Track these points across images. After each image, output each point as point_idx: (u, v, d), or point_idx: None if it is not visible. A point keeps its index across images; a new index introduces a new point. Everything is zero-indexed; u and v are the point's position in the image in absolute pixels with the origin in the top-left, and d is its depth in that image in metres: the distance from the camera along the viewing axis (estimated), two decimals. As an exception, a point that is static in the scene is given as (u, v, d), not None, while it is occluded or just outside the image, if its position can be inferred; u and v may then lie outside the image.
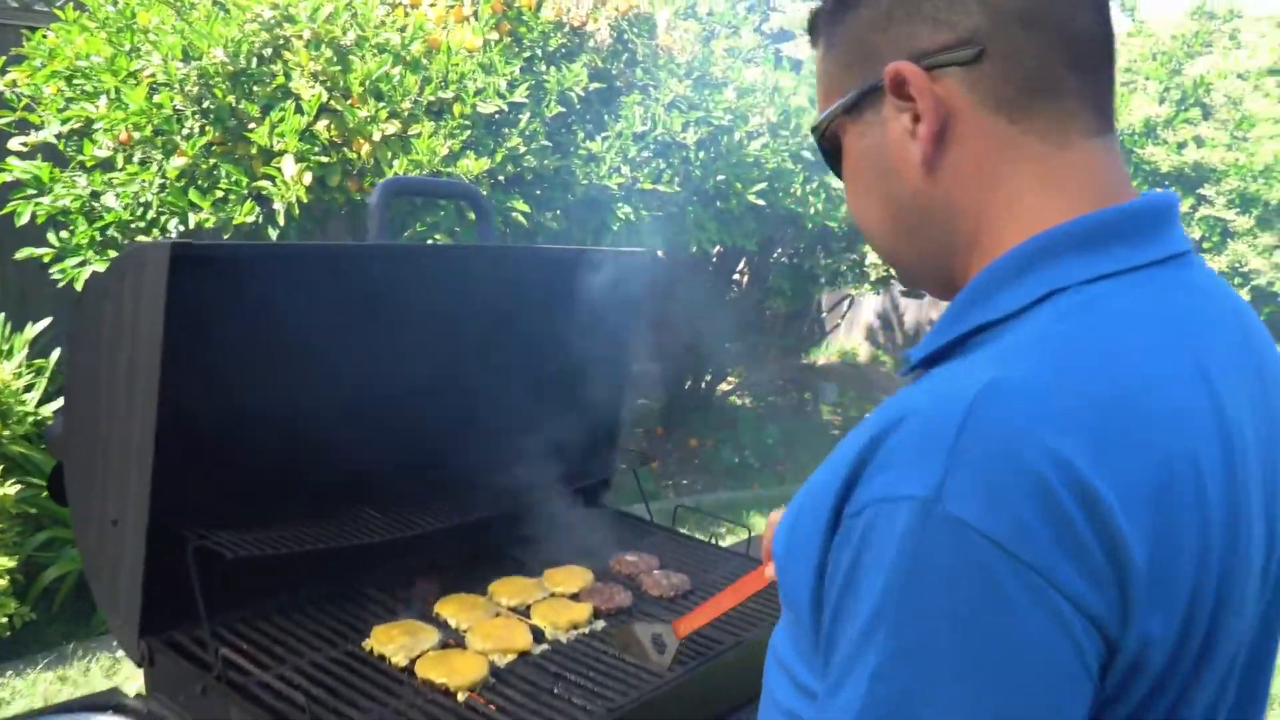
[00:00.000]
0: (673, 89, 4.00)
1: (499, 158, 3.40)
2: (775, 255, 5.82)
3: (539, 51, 3.73)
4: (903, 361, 0.85)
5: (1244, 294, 5.13)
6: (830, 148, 0.85)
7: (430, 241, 3.27)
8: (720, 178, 4.26)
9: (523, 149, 3.52)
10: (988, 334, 0.71)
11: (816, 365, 8.68)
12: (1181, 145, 5.24)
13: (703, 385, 6.38)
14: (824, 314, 7.02)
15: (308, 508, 1.57)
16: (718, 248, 5.09)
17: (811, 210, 4.90)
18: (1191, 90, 5.33)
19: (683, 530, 2.14)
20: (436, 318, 1.64)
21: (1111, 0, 0.79)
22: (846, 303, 6.79)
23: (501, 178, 3.51)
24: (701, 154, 4.11)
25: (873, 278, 5.16)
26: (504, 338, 1.80)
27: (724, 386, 6.73)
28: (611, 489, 2.25)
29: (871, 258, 5.07)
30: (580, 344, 1.90)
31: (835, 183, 4.97)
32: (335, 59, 2.94)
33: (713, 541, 2.11)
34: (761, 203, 4.49)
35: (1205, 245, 5.23)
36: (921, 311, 9.24)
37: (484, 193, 1.90)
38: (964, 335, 0.73)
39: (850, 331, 9.40)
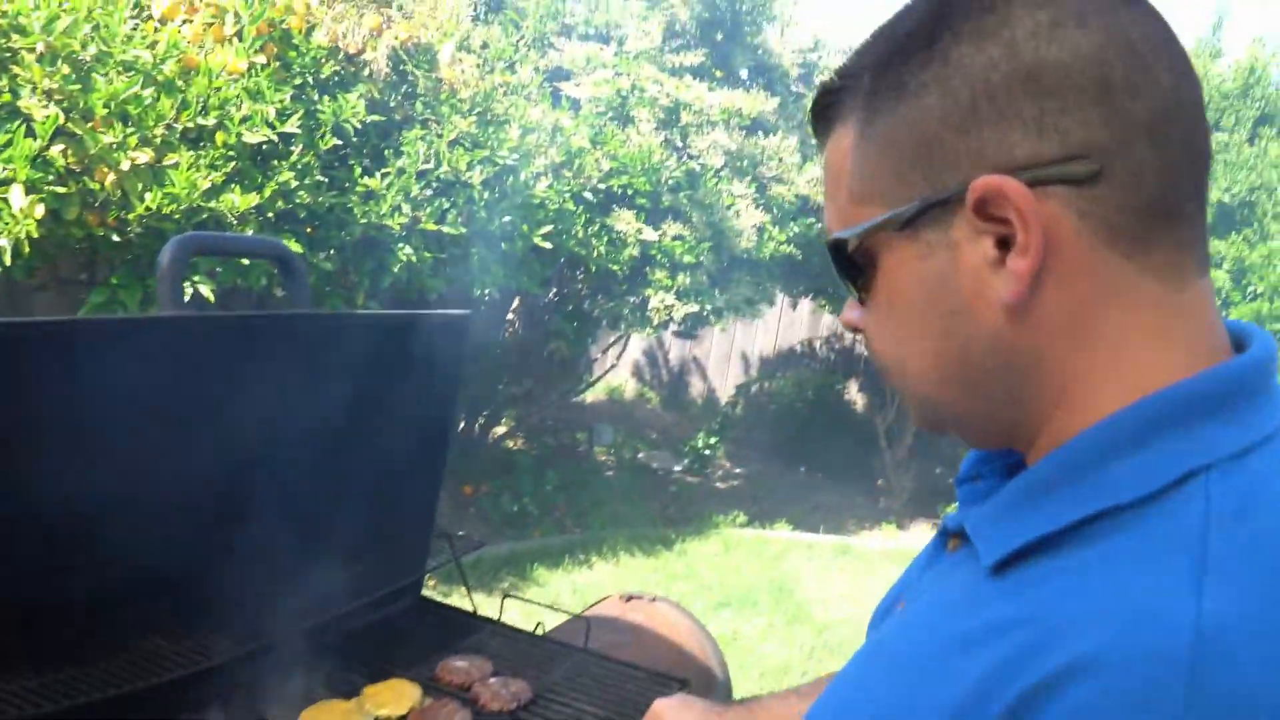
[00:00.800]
0: (456, 125, 3.79)
1: (268, 193, 3.05)
2: (551, 296, 5.70)
3: (310, 79, 3.41)
4: (952, 532, 0.72)
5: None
6: (861, 264, 0.66)
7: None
8: (506, 219, 4.07)
9: (294, 183, 3.19)
10: (1108, 521, 0.56)
11: (586, 404, 8.62)
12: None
13: (475, 429, 6.13)
14: (600, 355, 6.96)
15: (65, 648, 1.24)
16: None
17: (594, 253, 4.81)
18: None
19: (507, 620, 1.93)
20: (233, 400, 1.36)
21: None
22: (622, 342, 6.76)
23: (271, 215, 3.16)
24: (487, 194, 3.92)
25: (655, 322, 5.14)
26: (305, 419, 1.53)
27: (498, 430, 6.50)
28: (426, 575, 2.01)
29: (655, 302, 5.05)
30: (391, 422, 1.67)
31: (620, 225, 4.91)
32: (74, 76, 2.52)
33: (539, 628, 1.91)
34: (548, 245, 4.35)
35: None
36: (685, 348, 9.43)
37: (291, 250, 1.63)
38: (1077, 523, 0.57)
39: (617, 369, 9.44)
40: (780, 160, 5.30)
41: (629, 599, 2.28)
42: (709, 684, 2.09)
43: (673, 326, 5.47)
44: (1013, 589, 0.57)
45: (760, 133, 5.42)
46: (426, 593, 1.98)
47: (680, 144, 5.26)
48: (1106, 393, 0.59)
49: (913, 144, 0.61)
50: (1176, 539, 0.53)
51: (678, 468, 7.38)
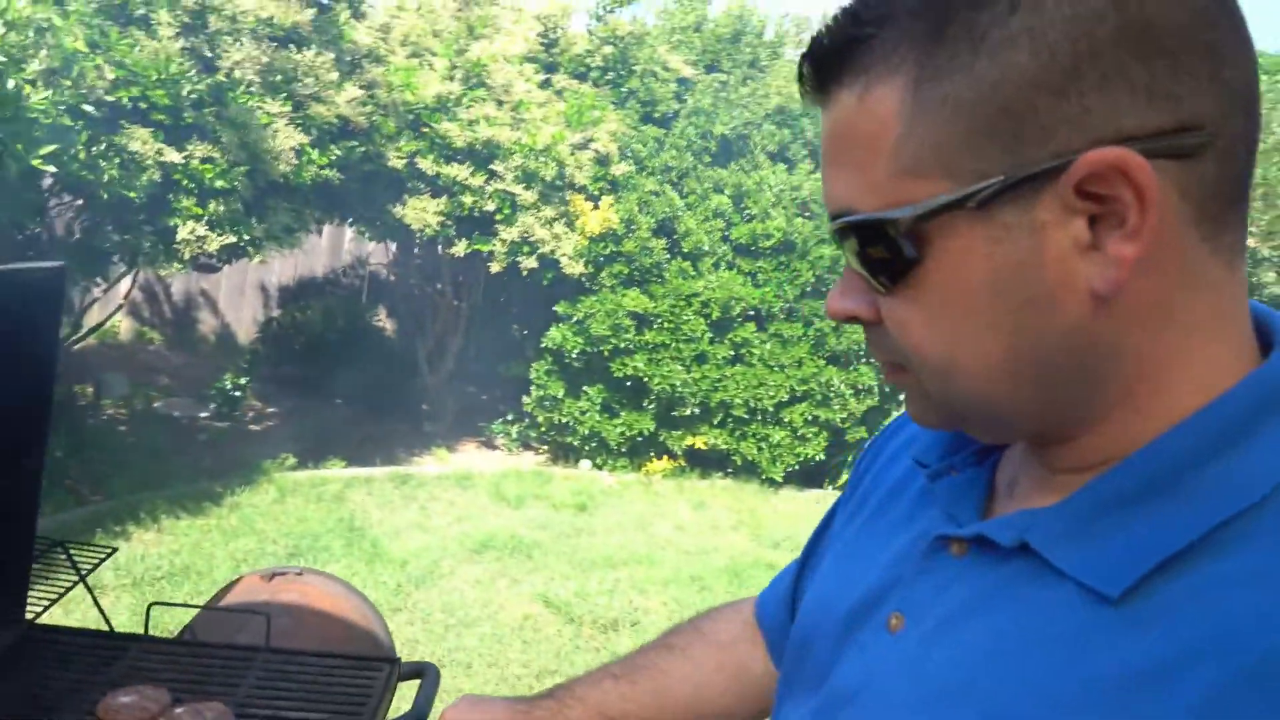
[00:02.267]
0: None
1: None
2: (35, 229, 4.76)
3: None
4: (960, 538, 0.63)
5: (532, 261, 5.73)
6: (906, 248, 0.56)
7: None
8: (-5, 136, 3.30)
9: None
10: (1242, 523, 0.52)
11: (73, 351, 7.42)
12: (473, 122, 5.60)
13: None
14: (100, 293, 6.00)
15: None
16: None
17: (105, 178, 4.10)
18: (474, 70, 5.70)
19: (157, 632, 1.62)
20: None
21: None
22: (130, 278, 5.90)
23: None
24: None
25: (184, 255, 4.54)
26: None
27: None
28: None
29: (184, 233, 4.44)
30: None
31: (134, 145, 4.22)
32: None
33: (190, 633, 1.64)
34: (51, 169, 3.61)
35: (498, 217, 5.70)
36: (191, 281, 8.49)
37: None
38: (1210, 530, 0.52)
39: (105, 306, 8.23)
40: (317, 78, 4.91)
41: (271, 577, 2.03)
42: (379, 646, 1.95)
43: (203, 260, 4.89)
44: (1166, 611, 0.52)
45: (293, 46, 4.96)
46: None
47: (210, 53, 4.63)
48: (1175, 387, 0.56)
49: (994, 109, 0.52)
50: None
51: (204, 414, 6.71)
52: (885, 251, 0.57)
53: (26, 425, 1.55)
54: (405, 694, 1.48)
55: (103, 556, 1.81)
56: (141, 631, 1.60)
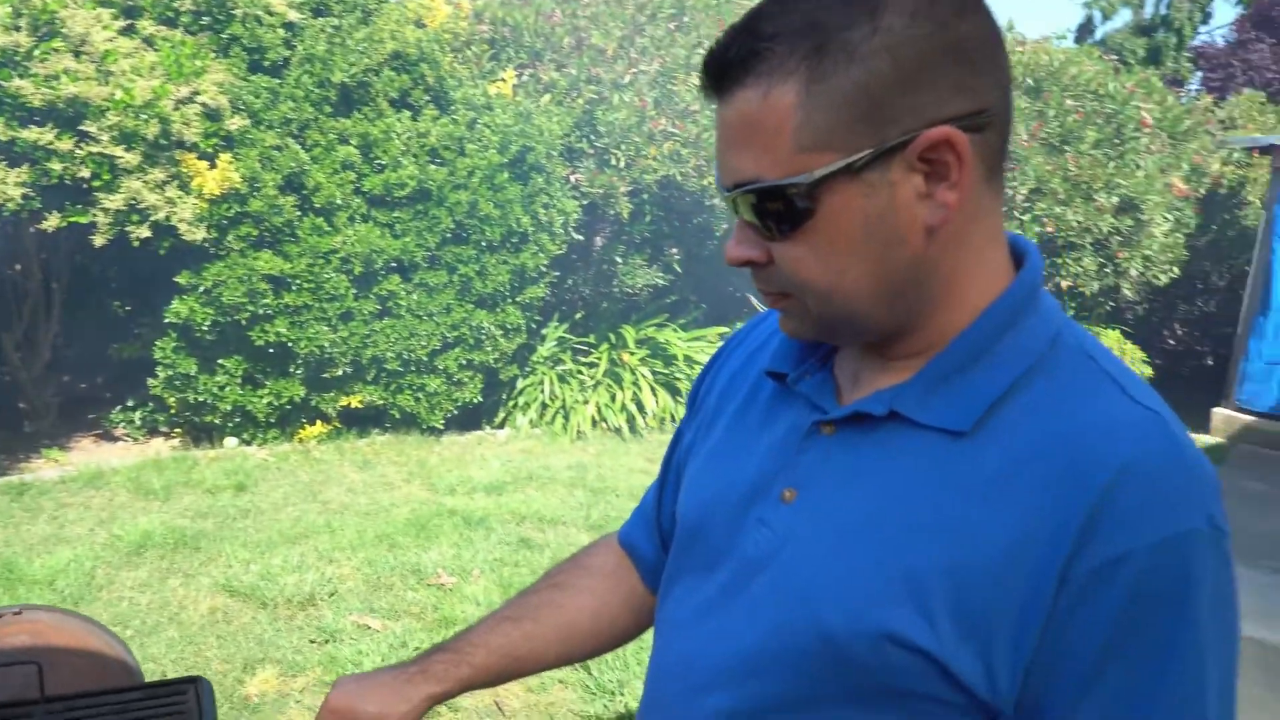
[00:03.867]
0: None
1: None
2: None
3: None
4: (832, 420, 0.84)
5: (144, 230, 5.16)
6: (802, 205, 0.75)
7: None
8: None
9: None
10: (1027, 377, 0.78)
11: None
12: (51, 78, 4.87)
13: None
14: None
15: None
16: None
17: None
18: (43, 18, 4.95)
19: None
20: None
21: None
22: None
23: None
24: None
25: None
26: None
27: None
28: None
29: None
30: None
31: None
32: None
33: None
34: None
35: (95, 184, 5.05)
36: None
37: None
38: (1015, 380, 0.78)
39: None
40: None
41: (-17, 623, 1.80)
42: (133, 674, 1.82)
43: None
44: (1000, 437, 0.76)
45: None
46: None
47: None
48: (971, 291, 0.80)
49: (865, 102, 0.72)
50: (1091, 375, 0.78)
51: None
52: (784, 208, 0.75)
53: None
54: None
55: None
56: None
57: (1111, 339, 8.09)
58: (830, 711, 0.79)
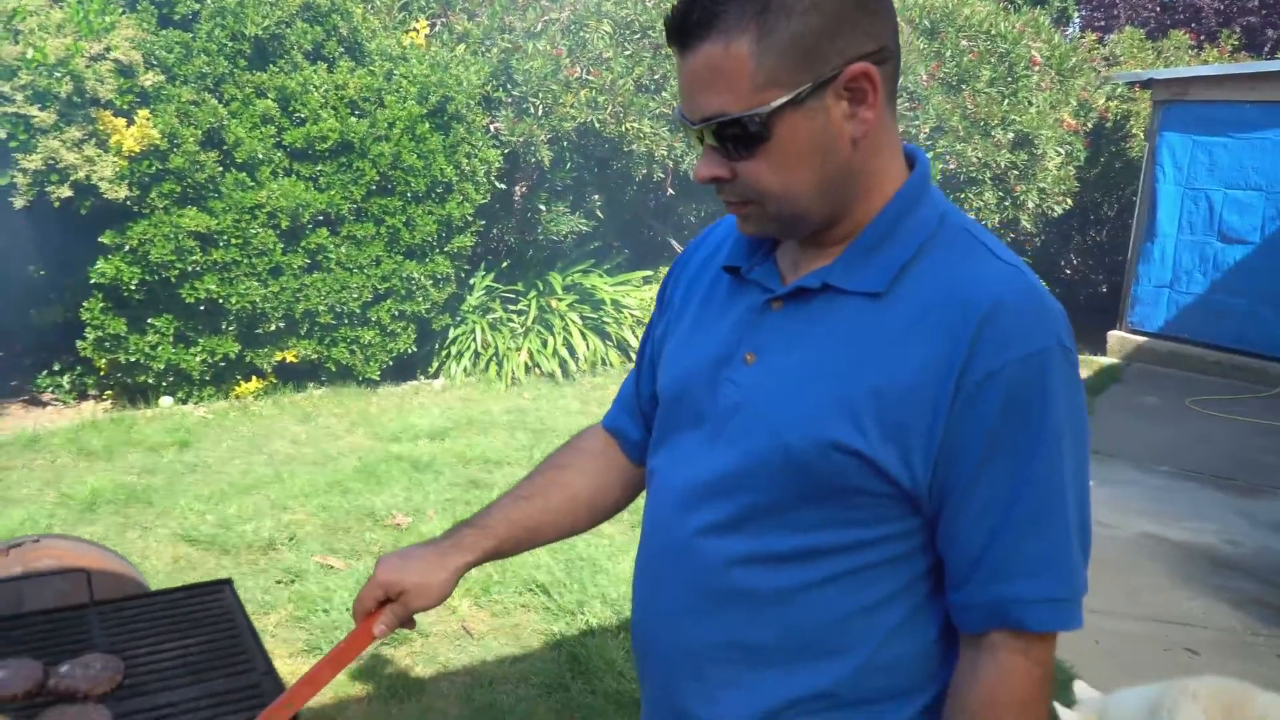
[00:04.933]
0: None
1: None
2: None
3: None
4: (779, 297, 1.08)
5: (65, 190, 5.10)
6: (759, 131, 0.97)
7: None
8: None
9: None
10: (926, 246, 1.04)
11: None
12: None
13: None
14: None
15: None
16: None
17: None
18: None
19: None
20: None
21: None
22: None
23: None
24: None
25: None
26: None
27: None
28: None
29: None
30: None
31: None
32: None
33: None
34: None
35: (13, 144, 4.96)
36: None
37: None
38: (916, 249, 1.04)
39: None
40: None
41: (8, 550, 1.93)
42: (139, 585, 1.96)
43: None
44: (906, 294, 1.02)
45: None
46: None
47: None
48: (886, 186, 1.05)
49: (803, 48, 0.95)
50: (969, 243, 1.05)
51: None
52: (745, 134, 0.99)
53: None
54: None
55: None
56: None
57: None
58: (792, 514, 1.03)
